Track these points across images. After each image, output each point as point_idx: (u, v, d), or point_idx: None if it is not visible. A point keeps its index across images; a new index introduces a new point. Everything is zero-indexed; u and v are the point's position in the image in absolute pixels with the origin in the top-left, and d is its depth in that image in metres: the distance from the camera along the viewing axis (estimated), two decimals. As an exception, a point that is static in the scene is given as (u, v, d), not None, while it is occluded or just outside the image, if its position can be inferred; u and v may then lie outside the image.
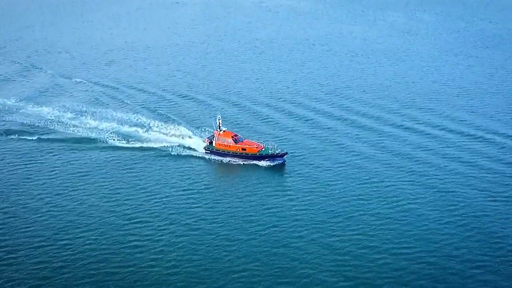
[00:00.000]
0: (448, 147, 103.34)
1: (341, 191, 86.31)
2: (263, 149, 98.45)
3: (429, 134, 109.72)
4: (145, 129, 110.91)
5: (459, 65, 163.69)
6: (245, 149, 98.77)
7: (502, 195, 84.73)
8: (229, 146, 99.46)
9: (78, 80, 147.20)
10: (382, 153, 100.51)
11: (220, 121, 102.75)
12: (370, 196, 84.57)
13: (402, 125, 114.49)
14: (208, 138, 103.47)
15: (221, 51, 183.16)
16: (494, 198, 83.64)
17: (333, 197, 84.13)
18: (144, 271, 66.63)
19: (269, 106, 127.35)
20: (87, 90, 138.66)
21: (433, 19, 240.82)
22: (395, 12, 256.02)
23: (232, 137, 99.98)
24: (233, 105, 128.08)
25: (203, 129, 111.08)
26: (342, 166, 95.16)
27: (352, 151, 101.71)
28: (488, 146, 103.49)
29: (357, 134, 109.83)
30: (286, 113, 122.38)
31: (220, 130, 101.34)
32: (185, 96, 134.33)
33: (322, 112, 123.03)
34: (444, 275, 65.79)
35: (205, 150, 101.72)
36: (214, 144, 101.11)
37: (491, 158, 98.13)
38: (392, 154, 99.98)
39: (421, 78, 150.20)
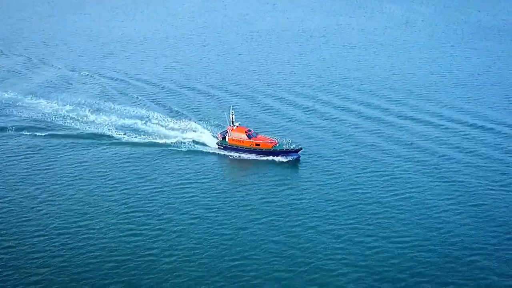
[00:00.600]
0: (447, 137, 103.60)
1: (341, 180, 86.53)
2: (277, 145, 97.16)
3: (427, 124, 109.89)
4: (145, 121, 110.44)
5: (457, 56, 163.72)
6: (259, 145, 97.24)
7: (499, 183, 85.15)
8: (243, 141, 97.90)
9: (77, 72, 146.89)
10: (380, 143, 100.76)
11: (233, 116, 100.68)
12: (369, 185, 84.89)
13: (400, 116, 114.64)
14: (221, 133, 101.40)
15: (218, 43, 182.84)
16: (492, 187, 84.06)
17: (331, 187, 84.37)
18: (141, 259, 66.84)
19: (267, 97, 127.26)
20: (85, 83, 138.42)
21: (431, 10, 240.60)
22: (393, 4, 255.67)
23: (245, 132, 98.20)
24: (231, 96, 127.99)
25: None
26: (342, 158, 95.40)
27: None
28: (485, 136, 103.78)
29: (356, 124, 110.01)
30: (285, 104, 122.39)
31: (233, 125, 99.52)
32: (186, 88, 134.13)
33: (321, 103, 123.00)
34: (442, 263, 66.17)
35: (218, 145, 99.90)
36: (227, 140, 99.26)
37: (489, 147, 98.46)
38: (391, 144, 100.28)
39: (418, 69, 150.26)
